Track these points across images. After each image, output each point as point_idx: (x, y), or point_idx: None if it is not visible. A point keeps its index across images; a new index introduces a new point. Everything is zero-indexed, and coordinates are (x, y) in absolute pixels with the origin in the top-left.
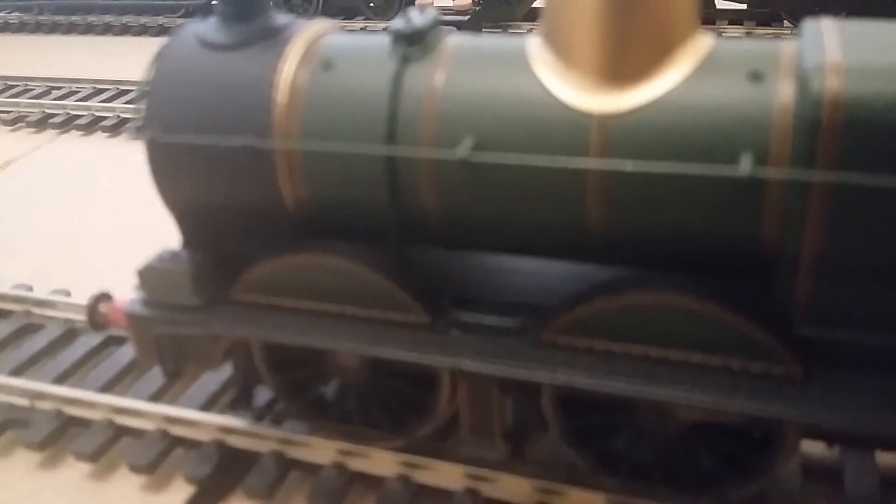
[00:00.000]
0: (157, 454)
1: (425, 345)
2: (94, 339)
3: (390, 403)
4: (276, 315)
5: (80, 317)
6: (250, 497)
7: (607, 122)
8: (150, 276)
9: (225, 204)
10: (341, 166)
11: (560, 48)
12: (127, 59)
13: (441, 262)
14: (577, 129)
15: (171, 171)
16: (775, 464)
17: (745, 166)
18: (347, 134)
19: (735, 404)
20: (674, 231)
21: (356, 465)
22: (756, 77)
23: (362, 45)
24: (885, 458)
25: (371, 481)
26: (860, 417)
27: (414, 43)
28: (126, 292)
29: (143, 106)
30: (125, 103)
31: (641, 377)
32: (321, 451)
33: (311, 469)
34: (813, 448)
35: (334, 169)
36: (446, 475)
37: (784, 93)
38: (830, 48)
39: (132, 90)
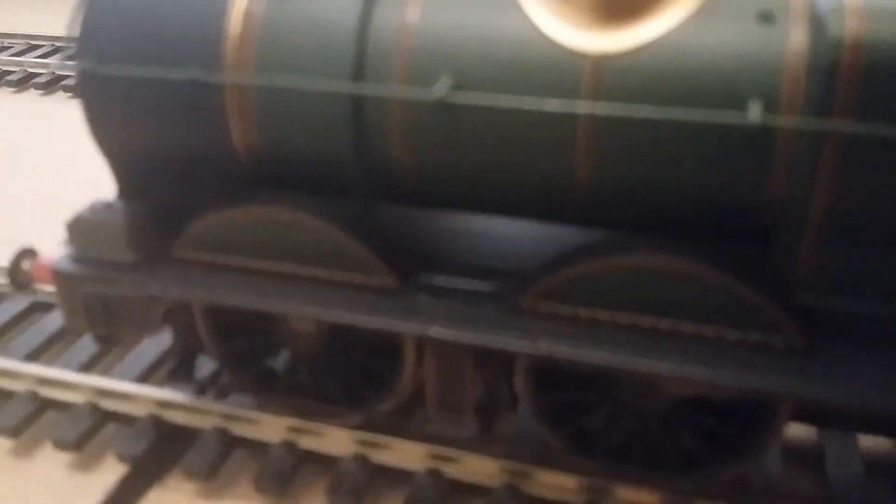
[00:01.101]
0: (86, 430)
1: (390, 310)
2: (20, 303)
3: (348, 376)
4: (222, 275)
5: (4, 280)
6: (189, 477)
7: (601, 63)
8: (80, 229)
9: (166, 147)
10: (300, 106)
11: None
12: (63, 14)
13: (412, 220)
14: (567, 70)
15: (106, 107)
16: (765, 443)
17: (754, 113)
18: (308, 69)
19: (731, 377)
20: (670, 184)
21: (308, 443)
22: (766, 18)
23: None
24: (866, 441)
25: (324, 461)
26: (866, 394)
27: None
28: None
29: (76, 33)
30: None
31: (630, 348)
32: (269, 427)
33: (258, 447)
34: (794, 430)
35: (292, 109)
36: (407, 455)
37: (797, 36)
38: None
39: (68, 47)
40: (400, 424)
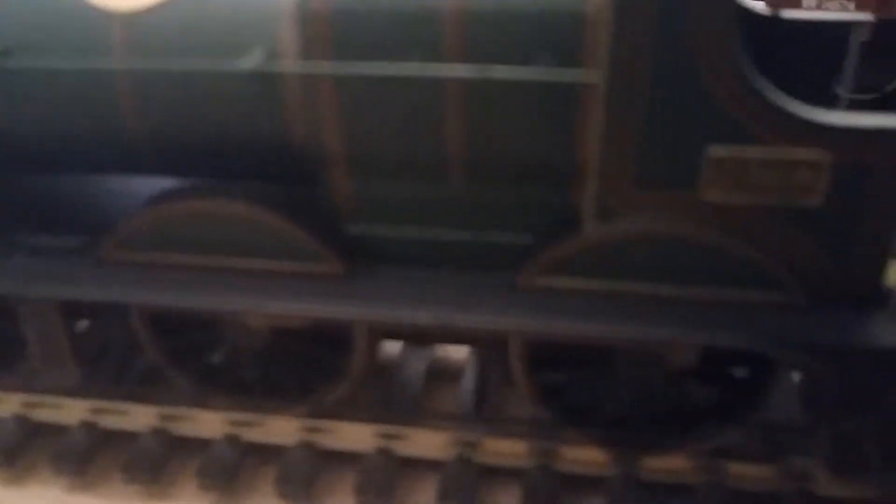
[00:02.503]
0: None
1: None
2: None
3: None
4: None
5: None
6: None
7: (129, 20)
8: None
9: None
10: None
11: None
12: None
13: (9, 184)
14: (99, 29)
15: None
16: (352, 364)
17: (249, 61)
18: None
19: (281, 307)
20: (208, 134)
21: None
22: None
23: None
24: None
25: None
26: (399, 311)
27: None
28: None
29: None
30: None
31: (201, 288)
32: None
33: None
34: (450, 351)
35: None
36: (66, 412)
37: None
38: None
39: None
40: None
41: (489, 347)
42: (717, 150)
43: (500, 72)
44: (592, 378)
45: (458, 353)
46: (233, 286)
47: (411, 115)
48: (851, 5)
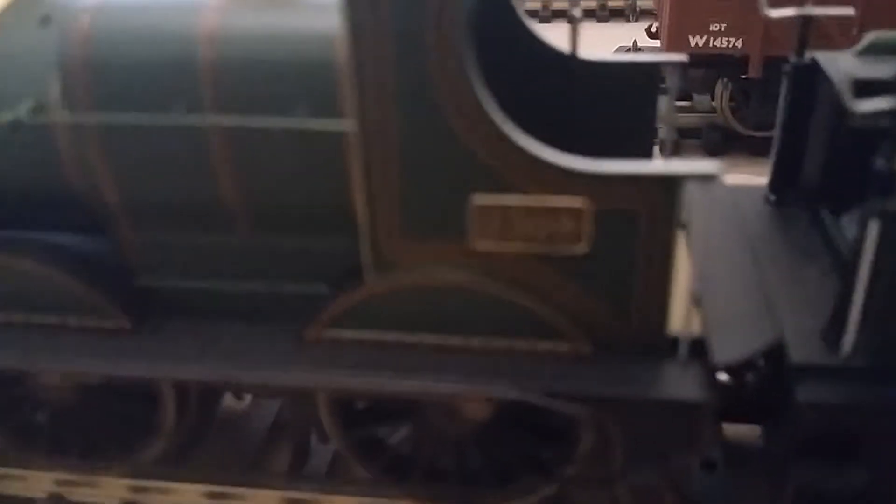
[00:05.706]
0: None
1: None
2: None
3: None
4: None
5: None
6: None
7: None
8: None
9: None
10: None
11: None
12: None
13: None
14: None
15: None
16: (163, 421)
17: (12, 113)
18: None
19: (57, 364)
20: None
21: None
22: (44, 21)
23: None
24: None
25: None
26: (178, 369)
27: None
28: None
29: None
30: None
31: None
32: None
33: None
34: None
35: None
36: None
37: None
38: None
39: None
40: None
41: (298, 401)
42: (479, 199)
43: (258, 121)
44: (409, 432)
45: None
46: (18, 343)
47: (182, 165)
48: (739, 42)
